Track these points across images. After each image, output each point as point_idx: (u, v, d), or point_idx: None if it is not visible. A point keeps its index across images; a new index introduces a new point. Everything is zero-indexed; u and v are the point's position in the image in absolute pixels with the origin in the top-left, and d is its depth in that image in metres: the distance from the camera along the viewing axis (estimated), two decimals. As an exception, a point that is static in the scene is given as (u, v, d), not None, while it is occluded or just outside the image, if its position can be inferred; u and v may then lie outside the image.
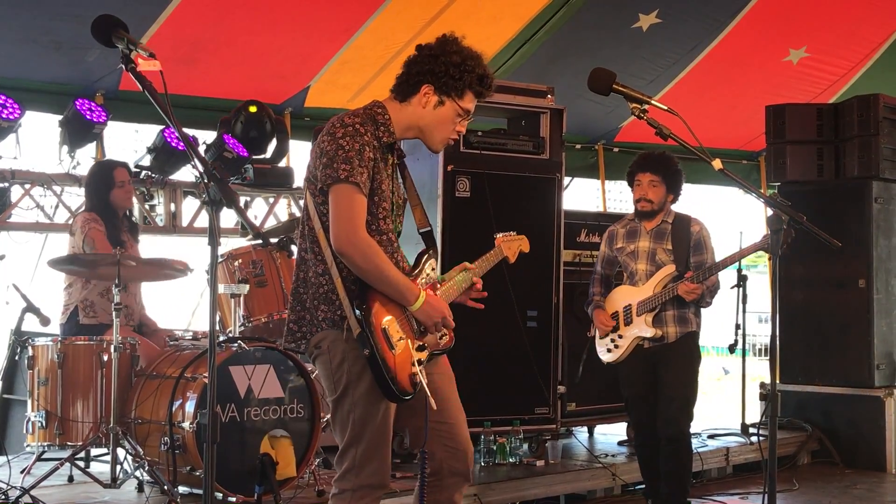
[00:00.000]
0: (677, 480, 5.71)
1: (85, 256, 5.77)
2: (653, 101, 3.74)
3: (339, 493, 3.61)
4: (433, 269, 3.82)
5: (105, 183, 6.15)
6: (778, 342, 3.82)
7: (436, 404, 3.65)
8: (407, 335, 3.61)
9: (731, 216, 7.18)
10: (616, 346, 5.82)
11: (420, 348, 3.65)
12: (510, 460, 6.45)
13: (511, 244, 4.25)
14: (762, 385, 8.36)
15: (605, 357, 5.91)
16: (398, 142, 3.73)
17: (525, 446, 6.69)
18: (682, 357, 5.73)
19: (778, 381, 8.18)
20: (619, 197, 10.93)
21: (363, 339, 3.47)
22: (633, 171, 5.82)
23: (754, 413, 8.16)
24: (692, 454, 5.89)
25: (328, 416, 5.80)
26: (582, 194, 10.63)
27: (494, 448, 6.44)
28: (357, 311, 3.48)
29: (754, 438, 7.57)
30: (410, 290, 3.58)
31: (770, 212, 3.77)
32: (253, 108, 7.45)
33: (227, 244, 6.58)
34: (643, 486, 6.74)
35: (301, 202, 8.12)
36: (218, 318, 6.00)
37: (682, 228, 5.77)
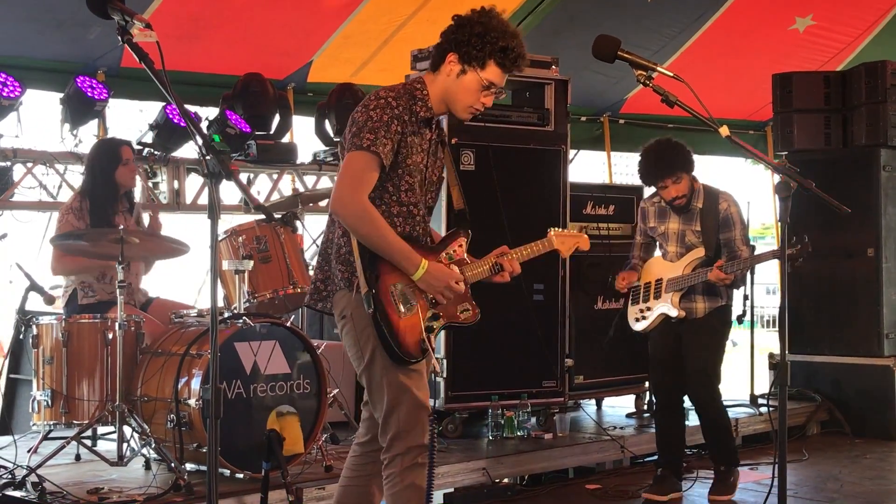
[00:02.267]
0: (723, 441, 5.93)
1: (87, 232, 5.73)
2: (659, 68, 3.69)
3: (390, 462, 3.68)
4: (461, 247, 3.88)
5: (111, 160, 6.08)
6: (787, 312, 3.78)
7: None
8: (419, 302, 3.67)
9: (738, 187, 7.15)
10: (644, 318, 5.92)
11: (434, 317, 3.71)
12: (518, 434, 6.44)
13: (567, 240, 4.19)
14: (771, 356, 8.33)
15: (635, 326, 6.01)
16: (437, 117, 3.78)
17: (533, 420, 6.68)
18: (707, 330, 5.83)
19: (787, 352, 8.20)
20: (625, 171, 10.88)
21: (368, 298, 3.55)
22: (649, 182, 5.80)
23: (763, 384, 8.13)
24: (726, 416, 6.01)
25: (335, 391, 5.85)
26: (588, 166, 10.58)
27: (502, 422, 6.42)
28: (366, 272, 3.56)
29: (763, 409, 7.54)
30: (410, 259, 3.62)
31: (778, 179, 3.72)
32: (255, 83, 7.42)
33: (232, 221, 6.54)
34: (653, 457, 6.76)
35: (305, 178, 8.15)
36: (223, 295, 5.99)
37: (710, 208, 5.79)
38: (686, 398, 5.99)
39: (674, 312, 5.77)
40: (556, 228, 4.21)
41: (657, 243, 6.05)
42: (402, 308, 3.62)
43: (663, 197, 5.77)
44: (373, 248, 3.58)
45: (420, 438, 3.66)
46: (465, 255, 3.89)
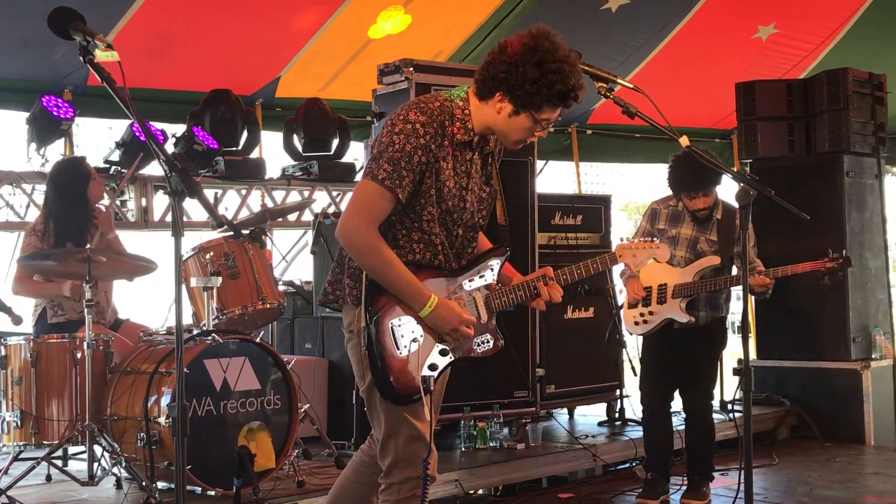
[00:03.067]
0: (704, 453, 6.01)
1: (54, 252, 5.71)
2: (619, 80, 3.74)
3: (387, 488, 3.56)
4: (492, 270, 3.62)
5: (80, 176, 6.04)
6: (750, 317, 3.83)
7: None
8: (427, 335, 3.48)
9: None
10: (645, 322, 5.94)
11: (443, 352, 3.50)
12: (491, 445, 6.46)
13: (640, 253, 3.88)
14: (738, 361, 8.38)
15: (632, 328, 6.05)
16: (476, 137, 3.53)
17: (505, 430, 6.69)
18: (710, 340, 5.93)
19: (755, 357, 8.30)
20: (595, 180, 10.93)
21: (364, 334, 3.42)
22: (684, 190, 5.79)
23: (732, 391, 8.19)
24: (714, 428, 6.11)
25: (306, 406, 5.85)
26: (557, 177, 10.63)
27: (475, 433, 6.44)
28: (367, 306, 3.42)
29: (733, 415, 7.59)
30: (417, 297, 3.42)
31: (739, 187, 3.77)
32: (222, 100, 7.41)
33: (200, 237, 6.54)
34: (624, 465, 6.80)
35: (274, 193, 8.15)
36: (192, 312, 5.97)
37: (728, 220, 5.84)
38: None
39: (684, 318, 5.80)
40: (627, 240, 3.95)
41: None
42: (402, 344, 3.45)
43: (689, 206, 5.80)
44: (380, 281, 3.41)
45: (419, 469, 3.49)
46: (497, 277, 3.64)
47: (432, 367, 3.49)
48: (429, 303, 3.42)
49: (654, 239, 4.05)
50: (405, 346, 3.46)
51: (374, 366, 3.42)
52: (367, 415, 3.62)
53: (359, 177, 7.33)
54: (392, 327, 3.45)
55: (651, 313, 5.92)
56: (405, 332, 3.46)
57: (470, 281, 3.60)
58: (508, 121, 3.44)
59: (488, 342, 3.60)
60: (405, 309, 3.45)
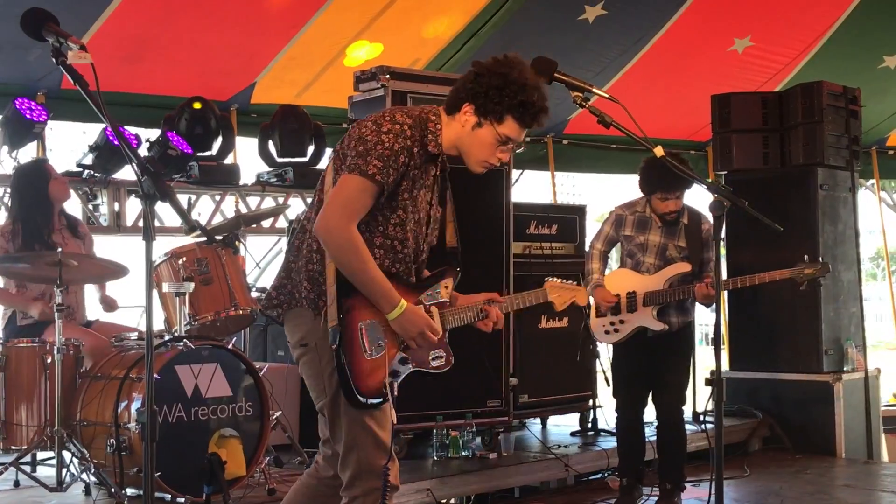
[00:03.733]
0: (676, 461, 6.00)
1: (25, 255, 5.66)
2: (595, 90, 3.75)
3: (351, 501, 3.51)
4: (446, 288, 3.69)
5: (40, 177, 6.02)
6: (723, 328, 3.84)
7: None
8: (390, 343, 3.49)
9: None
10: (616, 330, 5.94)
11: (403, 361, 3.54)
12: (463, 454, 6.44)
13: (563, 293, 3.99)
14: (711, 372, 8.39)
15: (602, 338, 6.07)
16: (443, 154, 3.59)
17: (478, 439, 6.68)
18: (681, 345, 5.96)
19: (728, 369, 8.33)
20: (571, 190, 10.97)
21: (334, 332, 3.37)
22: (659, 190, 5.77)
23: (705, 402, 8.21)
24: (686, 435, 6.10)
25: (278, 413, 5.81)
26: (533, 186, 10.65)
27: (447, 442, 6.42)
28: (339, 304, 3.38)
29: (705, 426, 7.60)
30: (388, 298, 3.41)
31: (713, 198, 3.78)
32: (197, 105, 7.36)
33: (173, 243, 6.50)
34: (597, 475, 6.80)
35: (248, 199, 8.12)
36: (164, 318, 5.93)
37: (694, 227, 5.86)
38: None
39: (658, 326, 5.81)
40: (554, 279, 4.02)
41: (613, 254, 6.11)
42: (368, 347, 3.43)
43: (660, 209, 5.80)
44: (353, 279, 3.38)
45: (381, 480, 3.49)
46: (449, 296, 3.70)
47: (394, 373, 3.52)
48: (399, 305, 3.43)
49: (575, 283, 4.09)
50: (370, 350, 3.44)
51: (341, 368, 3.38)
52: (329, 429, 3.57)
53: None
54: (361, 329, 3.43)
55: (622, 322, 5.92)
56: (371, 335, 3.45)
57: (428, 296, 3.64)
58: (472, 134, 3.49)
59: (442, 357, 3.65)
60: (373, 312, 3.44)
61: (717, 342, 3.94)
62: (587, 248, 6.21)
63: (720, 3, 8.88)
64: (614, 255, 6.22)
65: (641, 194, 5.98)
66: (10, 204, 6.17)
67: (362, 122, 3.48)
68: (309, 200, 8.23)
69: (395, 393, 3.53)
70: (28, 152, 7.01)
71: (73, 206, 6.59)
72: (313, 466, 3.78)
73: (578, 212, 7.73)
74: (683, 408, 6.05)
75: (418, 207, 3.55)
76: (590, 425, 7.57)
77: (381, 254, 3.49)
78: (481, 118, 3.47)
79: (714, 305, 5.60)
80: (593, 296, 5.98)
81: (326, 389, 3.49)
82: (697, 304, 5.88)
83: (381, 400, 3.46)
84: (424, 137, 3.49)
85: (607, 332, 5.99)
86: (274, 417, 5.69)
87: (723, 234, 4.04)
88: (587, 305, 7.18)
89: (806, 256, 5.79)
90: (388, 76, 6.37)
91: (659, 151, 3.69)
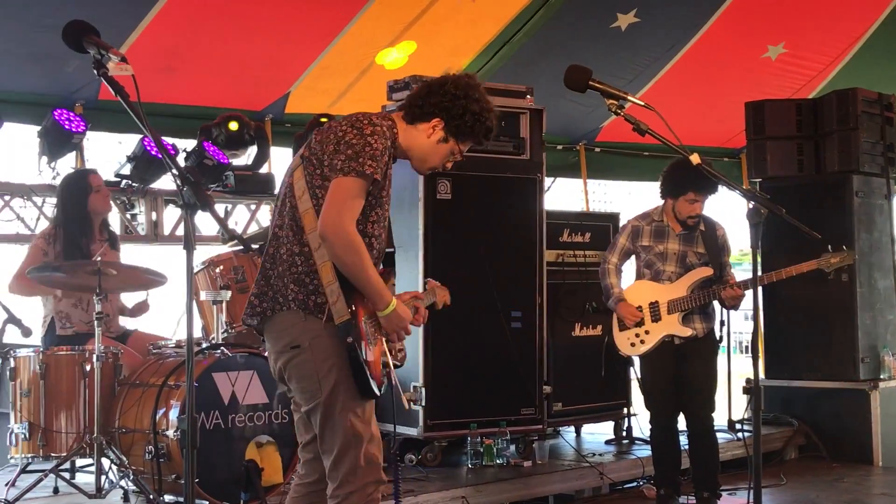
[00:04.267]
0: (710, 468, 5.98)
1: (64, 264, 5.74)
2: (629, 97, 3.75)
3: (344, 498, 3.53)
4: (393, 287, 3.83)
5: (81, 189, 6.12)
6: (761, 337, 3.83)
7: None
8: (377, 337, 3.64)
9: (715, 214, 7.19)
10: (642, 342, 5.94)
11: (385, 354, 3.69)
12: (497, 462, 6.43)
13: (440, 291, 4.25)
14: (747, 380, 8.37)
15: (628, 350, 6.04)
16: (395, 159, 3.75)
17: (512, 447, 6.68)
18: (708, 351, 5.97)
19: (763, 377, 8.27)
20: (602, 198, 10.94)
21: (348, 327, 3.45)
22: (690, 191, 5.75)
23: (741, 410, 8.17)
24: (718, 443, 6.11)
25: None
26: (565, 194, 10.64)
27: (481, 450, 6.42)
28: (346, 299, 3.47)
29: (741, 435, 7.57)
30: (382, 295, 3.56)
31: (749, 206, 3.77)
32: (234, 127, 7.44)
33: (209, 251, 6.56)
34: (632, 484, 6.78)
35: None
36: (201, 326, 5.99)
37: (710, 232, 5.91)
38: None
39: (686, 332, 5.83)
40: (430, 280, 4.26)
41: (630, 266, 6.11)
42: (372, 339, 3.58)
43: (684, 212, 5.80)
44: (352, 277, 3.48)
45: (376, 474, 3.57)
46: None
47: (385, 364, 3.66)
48: (392, 302, 3.59)
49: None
50: (373, 342, 3.59)
51: (357, 362, 3.47)
52: (319, 430, 3.58)
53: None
54: (364, 322, 3.55)
55: (647, 332, 5.93)
56: (369, 330, 3.58)
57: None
58: (435, 146, 3.72)
59: (402, 350, 3.85)
60: (367, 309, 3.57)
61: (754, 350, 3.93)
62: (601, 264, 6.20)
63: (753, 11, 8.84)
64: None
65: (661, 201, 5.98)
66: (55, 211, 6.28)
67: (335, 128, 3.59)
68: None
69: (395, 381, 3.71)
70: (67, 163, 7.11)
71: (112, 215, 6.65)
72: (297, 475, 3.81)
73: (611, 219, 7.72)
74: (714, 414, 6.01)
75: (384, 206, 3.70)
76: (624, 433, 7.55)
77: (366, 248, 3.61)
78: (449, 136, 3.71)
79: (752, 312, 5.67)
80: (616, 311, 6.01)
81: (322, 388, 3.52)
82: (729, 310, 5.87)
83: (381, 392, 3.59)
84: (394, 139, 3.67)
85: (633, 345, 5.99)
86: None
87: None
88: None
89: (830, 246, 5.75)
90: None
91: (695, 159, 3.68)
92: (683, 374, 5.90)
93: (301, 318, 3.52)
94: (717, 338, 6.45)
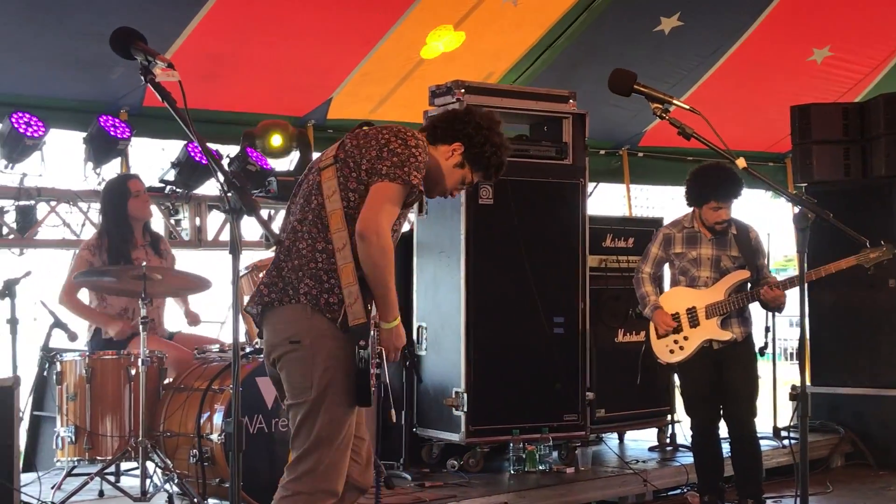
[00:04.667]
0: (754, 474, 5.94)
1: (111, 269, 5.79)
2: (675, 101, 3.72)
3: (292, 495, 3.54)
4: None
5: (121, 195, 6.17)
6: (808, 343, 3.78)
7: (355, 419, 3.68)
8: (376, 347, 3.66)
9: (757, 219, 7.12)
10: (681, 348, 5.90)
11: (379, 366, 3.72)
12: (540, 468, 6.41)
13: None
14: (793, 387, 8.28)
15: (667, 358, 5.98)
16: None
17: (555, 454, 6.65)
18: (747, 356, 5.93)
19: (809, 384, 8.17)
20: (644, 203, 10.89)
21: (364, 330, 3.45)
22: (713, 199, 5.77)
23: (786, 417, 8.08)
24: (760, 447, 6.08)
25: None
26: (607, 199, 10.60)
27: (524, 456, 6.40)
28: (365, 303, 3.48)
29: (786, 442, 7.50)
30: (394, 307, 3.60)
31: (796, 210, 3.73)
32: (276, 141, 7.51)
33: (252, 256, 6.59)
34: (675, 491, 6.72)
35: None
36: (245, 330, 6.01)
37: (744, 236, 5.88)
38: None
39: (726, 336, 5.79)
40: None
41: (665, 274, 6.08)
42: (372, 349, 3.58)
43: (711, 219, 5.79)
44: (376, 281, 3.50)
45: (333, 484, 3.54)
46: None
47: (376, 375, 3.67)
48: (397, 317, 3.62)
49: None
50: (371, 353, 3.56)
51: (362, 368, 3.44)
52: (295, 427, 3.58)
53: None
54: (374, 332, 3.57)
55: (685, 339, 5.89)
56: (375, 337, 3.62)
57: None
58: (451, 169, 3.80)
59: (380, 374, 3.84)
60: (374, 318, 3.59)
61: (801, 356, 3.88)
62: (634, 273, 6.18)
63: (798, 14, 8.76)
64: None
65: (689, 208, 5.97)
66: (100, 217, 6.36)
67: (375, 136, 3.63)
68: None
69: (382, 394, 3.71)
70: (112, 168, 7.18)
71: (155, 220, 6.72)
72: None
73: (655, 224, 7.65)
74: (756, 420, 5.95)
75: (402, 220, 3.74)
76: (668, 440, 7.49)
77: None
78: (466, 161, 3.80)
79: (797, 319, 5.61)
80: (652, 319, 5.98)
81: (313, 388, 3.51)
82: (773, 312, 5.82)
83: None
84: None
85: (671, 352, 5.94)
86: (352, 430, 5.71)
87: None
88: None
89: (867, 241, 5.65)
90: (463, 90, 6.41)
91: (741, 163, 3.64)
92: (723, 379, 5.85)
93: (307, 315, 3.51)
94: (763, 344, 6.40)
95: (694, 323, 5.86)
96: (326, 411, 3.51)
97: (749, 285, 5.86)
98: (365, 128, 3.74)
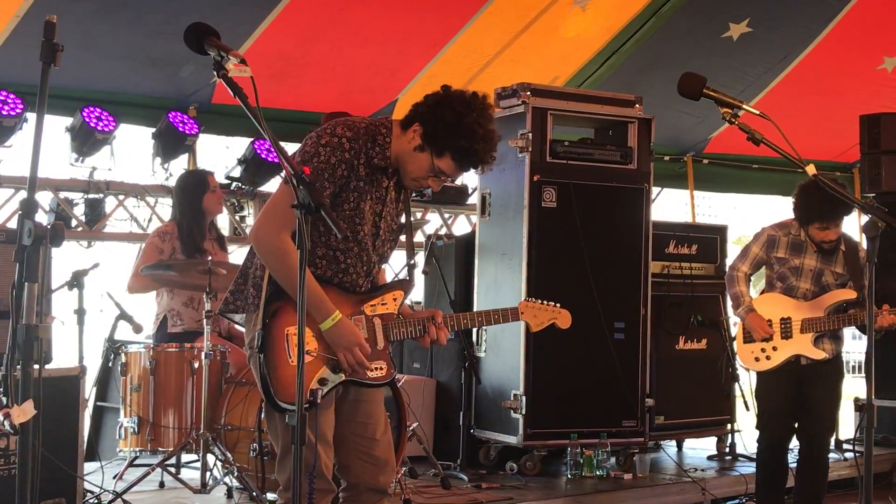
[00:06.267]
0: (817, 490, 5.78)
1: (176, 263, 5.87)
2: (745, 106, 3.67)
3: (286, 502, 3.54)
4: (395, 300, 3.67)
5: (199, 187, 6.25)
6: (873, 355, 3.72)
7: (359, 419, 3.63)
8: (320, 352, 3.47)
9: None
10: (767, 358, 5.67)
11: (335, 370, 3.48)
12: (597, 473, 6.39)
13: (541, 314, 3.86)
14: (857, 399, 8.15)
15: (752, 364, 5.76)
16: (392, 167, 3.59)
17: (612, 459, 6.62)
18: (834, 375, 5.71)
19: (873, 396, 8.01)
20: (706, 210, 10.79)
21: (258, 336, 3.39)
22: (819, 219, 5.50)
23: (848, 430, 7.96)
24: (828, 466, 5.92)
25: (414, 424, 5.87)
26: (671, 205, 10.52)
27: (581, 461, 6.38)
28: (266, 309, 3.42)
29: (849, 455, 7.38)
30: (319, 307, 3.42)
31: (866, 219, 3.68)
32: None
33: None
34: (734, 500, 6.65)
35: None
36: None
37: (852, 253, 5.62)
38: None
39: (819, 355, 5.56)
40: (531, 299, 3.88)
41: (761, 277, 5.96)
42: (293, 353, 3.40)
43: (817, 237, 5.54)
44: (284, 286, 3.40)
45: (320, 482, 3.46)
46: (398, 308, 3.67)
47: (322, 381, 3.47)
48: (331, 316, 3.43)
49: (557, 304, 3.88)
50: (294, 355, 3.41)
51: (261, 370, 3.38)
52: (268, 430, 3.61)
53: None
54: (287, 334, 3.44)
55: (774, 349, 5.65)
56: (291, 342, 3.44)
57: (371, 306, 3.62)
58: (412, 153, 3.53)
59: (382, 369, 3.60)
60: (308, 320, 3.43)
61: (868, 369, 3.83)
62: (728, 271, 5.94)
63: (870, 21, 8.63)
64: None
65: (794, 217, 5.72)
66: (173, 207, 6.44)
67: (315, 131, 3.54)
68: (447, 215, 8.44)
69: (319, 401, 3.41)
70: (179, 164, 7.28)
71: (220, 216, 6.79)
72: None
73: (719, 232, 7.61)
74: (831, 440, 5.86)
75: (364, 220, 3.55)
76: (728, 449, 7.42)
77: (323, 264, 3.53)
78: (424, 144, 3.52)
79: (861, 332, 5.48)
80: (745, 321, 5.71)
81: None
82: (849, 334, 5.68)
83: (309, 408, 3.34)
84: (371, 150, 3.52)
85: (757, 360, 5.70)
86: (410, 429, 5.74)
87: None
88: (726, 329, 7.03)
89: None
90: (528, 93, 6.41)
91: (811, 170, 3.59)
92: (805, 396, 5.63)
93: (253, 322, 3.50)
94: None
95: (787, 334, 5.62)
96: (281, 417, 3.46)
97: (849, 307, 5.61)
98: None
